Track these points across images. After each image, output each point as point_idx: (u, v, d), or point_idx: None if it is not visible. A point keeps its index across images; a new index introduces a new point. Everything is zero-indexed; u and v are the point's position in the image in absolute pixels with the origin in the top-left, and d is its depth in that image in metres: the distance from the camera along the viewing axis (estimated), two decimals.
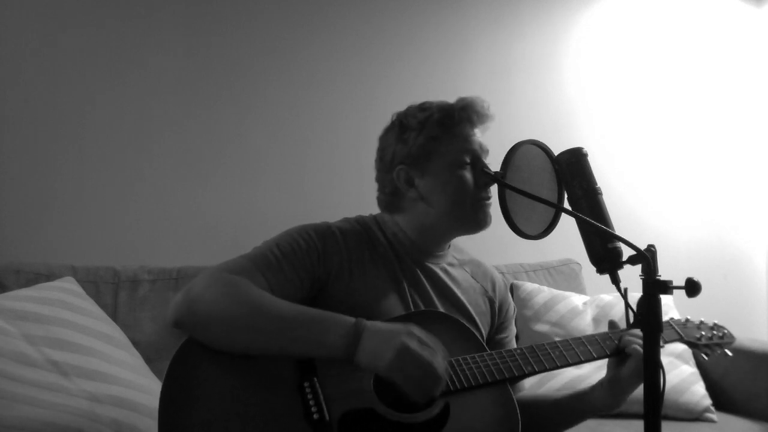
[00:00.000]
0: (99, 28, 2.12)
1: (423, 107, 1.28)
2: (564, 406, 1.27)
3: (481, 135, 1.27)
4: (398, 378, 1.01)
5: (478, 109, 1.25)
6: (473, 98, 1.26)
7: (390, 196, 1.29)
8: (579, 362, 1.21)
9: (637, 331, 1.22)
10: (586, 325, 2.05)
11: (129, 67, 2.14)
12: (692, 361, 2.02)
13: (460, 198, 1.22)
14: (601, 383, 1.22)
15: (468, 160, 1.23)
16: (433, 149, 1.23)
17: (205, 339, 1.05)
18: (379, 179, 1.33)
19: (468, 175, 1.22)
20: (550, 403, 1.30)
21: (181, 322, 1.06)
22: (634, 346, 1.19)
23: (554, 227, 1.21)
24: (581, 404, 1.25)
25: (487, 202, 1.23)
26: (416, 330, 1.04)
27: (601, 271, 1.06)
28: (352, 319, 1.04)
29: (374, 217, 1.32)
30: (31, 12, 2.06)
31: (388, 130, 1.32)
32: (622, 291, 1.01)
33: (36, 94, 2.04)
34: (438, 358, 1.03)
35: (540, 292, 2.14)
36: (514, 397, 1.13)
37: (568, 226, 1.16)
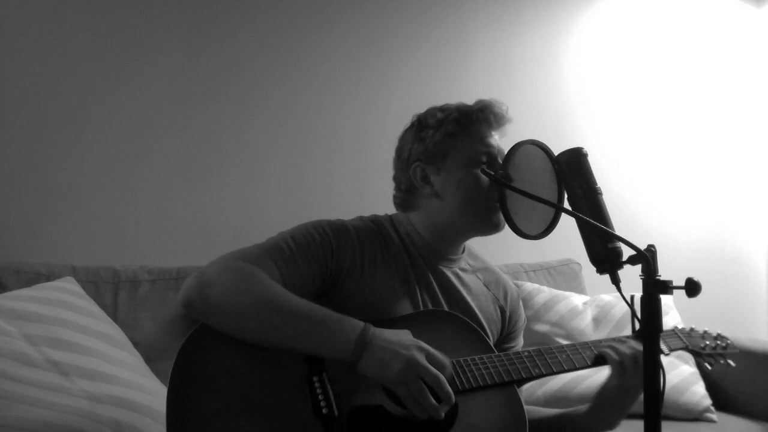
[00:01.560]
0: (99, 28, 2.12)
1: (442, 108, 1.29)
2: (555, 423, 1.28)
3: (499, 139, 1.27)
4: (401, 391, 1.01)
5: (496, 110, 1.25)
6: (492, 100, 1.27)
7: (405, 193, 1.29)
8: (585, 366, 1.21)
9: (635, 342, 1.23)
10: (586, 325, 2.05)
11: (129, 67, 2.14)
12: (692, 361, 2.02)
13: (475, 196, 1.22)
14: (588, 404, 1.24)
15: (484, 159, 1.23)
16: (450, 146, 1.24)
17: (213, 323, 1.05)
18: (395, 177, 1.33)
19: (483, 174, 1.22)
20: (542, 418, 1.30)
21: (190, 304, 1.06)
22: (606, 350, 1.19)
23: (554, 227, 1.21)
24: (570, 423, 1.26)
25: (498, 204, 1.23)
26: (427, 345, 1.04)
27: (601, 271, 1.06)
28: (361, 324, 1.04)
29: (389, 217, 1.33)
30: (31, 11, 2.06)
31: (406, 130, 1.33)
32: (628, 299, 1.01)
33: (36, 94, 2.04)
34: (448, 372, 1.03)
35: (540, 292, 2.14)
36: (522, 399, 1.13)
37: (568, 226, 1.16)
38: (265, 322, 1.04)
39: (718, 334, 1.41)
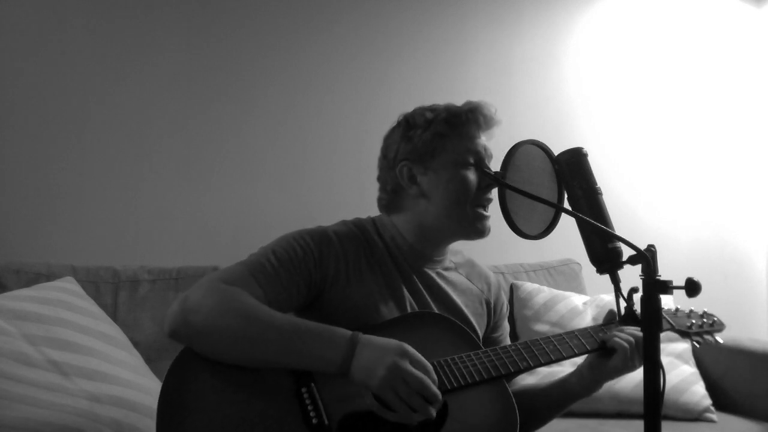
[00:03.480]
0: (99, 28, 2.12)
1: (431, 108, 1.28)
2: (547, 395, 1.29)
3: (487, 140, 1.27)
4: (389, 396, 1.01)
5: (485, 112, 1.25)
6: (482, 102, 1.26)
7: (391, 194, 1.28)
8: (573, 355, 1.21)
9: (631, 328, 1.23)
10: (586, 324, 2.04)
11: (129, 67, 2.14)
12: (692, 361, 2.02)
13: (462, 197, 1.21)
14: (579, 370, 1.24)
15: (472, 160, 1.22)
16: (439, 146, 1.23)
17: (201, 349, 1.05)
18: (381, 177, 1.32)
19: (471, 175, 1.22)
20: (536, 393, 1.31)
21: (176, 332, 1.06)
22: (616, 339, 1.20)
23: (554, 227, 1.21)
24: (561, 391, 1.26)
25: (486, 213, 1.23)
26: (410, 349, 1.04)
27: (601, 271, 1.06)
28: (348, 334, 1.05)
29: (372, 220, 1.32)
30: (31, 11, 2.06)
31: (393, 129, 1.31)
32: (617, 288, 1.01)
33: (36, 94, 2.05)
34: (432, 375, 1.04)
35: (540, 292, 2.14)
36: (511, 392, 1.13)
37: (568, 226, 1.16)
38: (252, 343, 1.04)
39: (705, 312, 1.41)
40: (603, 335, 1.23)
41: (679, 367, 1.96)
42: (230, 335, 1.04)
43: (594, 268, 1.07)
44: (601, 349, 1.22)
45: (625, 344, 1.19)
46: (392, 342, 1.05)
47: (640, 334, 1.18)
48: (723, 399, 2.00)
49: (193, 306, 1.06)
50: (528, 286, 2.17)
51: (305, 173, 2.30)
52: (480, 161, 1.23)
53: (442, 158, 1.23)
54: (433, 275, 1.29)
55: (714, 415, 1.89)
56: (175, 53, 2.19)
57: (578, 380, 1.24)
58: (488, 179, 1.21)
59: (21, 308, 1.46)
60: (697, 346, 1.37)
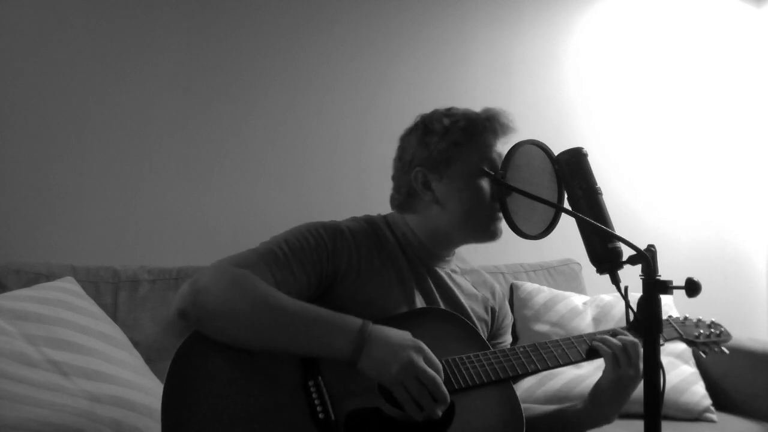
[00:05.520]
0: (99, 28, 2.12)
1: (448, 113, 1.27)
2: (553, 420, 1.28)
3: (501, 146, 1.26)
4: (399, 392, 1.01)
5: (503, 121, 1.24)
6: (499, 110, 1.26)
7: (405, 196, 1.28)
8: (581, 360, 1.21)
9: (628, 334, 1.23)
10: (586, 325, 2.05)
11: (129, 67, 2.14)
12: (692, 361, 2.02)
13: (475, 206, 1.21)
14: (591, 395, 1.23)
15: (487, 169, 1.22)
16: (454, 155, 1.22)
17: (209, 331, 1.05)
18: (395, 178, 1.32)
19: (485, 184, 1.21)
20: (539, 415, 1.30)
21: (185, 312, 1.06)
22: (596, 343, 1.19)
23: (554, 227, 1.21)
24: (567, 419, 1.25)
25: (499, 215, 1.22)
26: (425, 346, 1.04)
27: (601, 271, 1.06)
28: (359, 322, 1.04)
29: (384, 217, 1.32)
30: (31, 11, 2.06)
31: (410, 131, 1.31)
32: (623, 290, 1.01)
33: (36, 94, 2.04)
34: (442, 375, 1.03)
35: (540, 292, 2.14)
36: (517, 395, 1.13)
37: (568, 226, 1.16)
38: (262, 326, 1.04)
39: (712, 322, 1.41)
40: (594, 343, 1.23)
41: (679, 367, 1.96)
42: (240, 318, 1.04)
43: (594, 268, 1.07)
44: (591, 358, 1.22)
45: (607, 349, 1.18)
46: (407, 336, 1.05)
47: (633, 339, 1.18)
48: (723, 399, 2.00)
49: (203, 287, 1.05)
50: (528, 286, 2.17)
51: (305, 173, 2.30)
52: (494, 169, 1.22)
53: (457, 167, 1.22)
54: (443, 275, 1.29)
55: (714, 415, 1.89)
56: (175, 53, 2.19)
57: (584, 403, 1.23)
58: (488, 179, 1.21)
59: (21, 308, 1.46)
60: (704, 356, 1.37)
